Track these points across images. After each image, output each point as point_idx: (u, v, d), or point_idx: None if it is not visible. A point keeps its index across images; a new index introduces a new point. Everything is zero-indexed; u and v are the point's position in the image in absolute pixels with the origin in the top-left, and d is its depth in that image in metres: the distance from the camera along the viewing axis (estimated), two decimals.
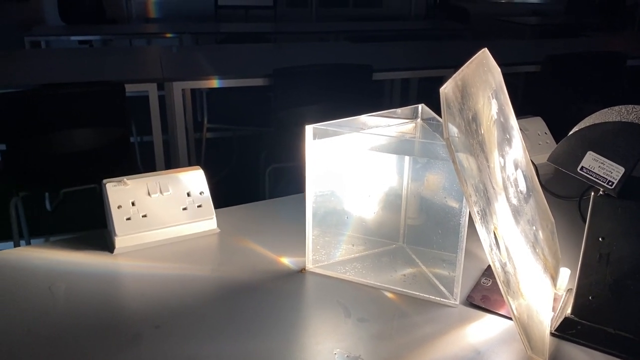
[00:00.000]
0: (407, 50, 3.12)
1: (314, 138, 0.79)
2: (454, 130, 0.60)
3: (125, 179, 0.92)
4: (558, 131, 1.40)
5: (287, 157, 2.28)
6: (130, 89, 2.06)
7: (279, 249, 0.89)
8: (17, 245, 2.06)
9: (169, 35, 4.23)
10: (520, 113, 1.09)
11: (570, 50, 2.99)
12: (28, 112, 1.78)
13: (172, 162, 2.76)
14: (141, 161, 2.73)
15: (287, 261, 0.86)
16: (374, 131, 0.82)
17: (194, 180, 0.95)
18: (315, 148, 0.79)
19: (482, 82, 0.74)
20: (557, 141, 1.32)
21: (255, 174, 3.13)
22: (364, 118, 0.84)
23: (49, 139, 1.85)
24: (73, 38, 4.34)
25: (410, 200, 0.85)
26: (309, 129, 0.78)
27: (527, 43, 3.60)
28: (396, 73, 2.51)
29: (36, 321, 0.70)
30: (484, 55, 0.78)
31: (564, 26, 4.93)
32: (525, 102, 2.82)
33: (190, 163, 2.63)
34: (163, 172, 0.97)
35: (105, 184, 0.90)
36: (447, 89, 0.60)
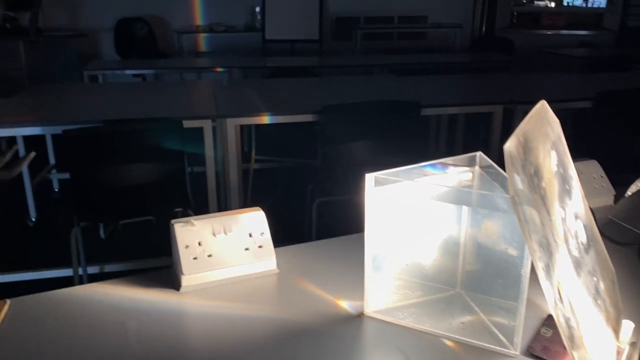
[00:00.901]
0: (453, 83, 3.14)
1: (374, 185, 0.82)
2: (518, 186, 0.62)
3: (192, 219, 0.97)
4: (612, 171, 1.38)
5: (335, 191, 2.31)
6: (187, 124, 2.15)
7: (337, 291, 0.91)
8: (76, 273, 2.15)
9: (219, 69, 4.39)
10: (570, 152, 1.09)
11: (623, 86, 2.93)
12: (91, 147, 1.88)
13: (222, 193, 2.84)
14: (191, 191, 2.83)
15: (345, 304, 0.88)
16: (432, 180, 0.84)
17: (255, 221, 0.99)
18: (375, 195, 0.82)
19: (542, 135, 0.75)
20: (612, 184, 1.31)
21: (300, 206, 3.18)
22: (422, 165, 0.86)
23: (109, 173, 1.95)
24: (128, 72, 4.56)
25: (468, 247, 0.86)
26: (370, 178, 0.81)
27: (576, 77, 3.56)
28: (444, 109, 2.53)
29: (111, 357, 0.75)
30: (543, 108, 0.79)
31: (614, 59, 4.85)
32: (575, 141, 2.76)
33: (239, 195, 2.70)
34: (226, 213, 1.01)
35: (173, 225, 0.95)
36: (510, 147, 0.62)
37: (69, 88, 3.28)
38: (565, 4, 7.01)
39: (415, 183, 0.82)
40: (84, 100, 2.68)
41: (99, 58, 6.14)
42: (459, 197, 0.85)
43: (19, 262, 2.73)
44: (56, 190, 3.66)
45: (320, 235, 2.60)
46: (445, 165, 0.87)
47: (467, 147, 3.39)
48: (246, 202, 3.35)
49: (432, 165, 0.87)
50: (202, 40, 6.57)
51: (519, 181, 0.63)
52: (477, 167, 0.88)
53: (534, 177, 0.67)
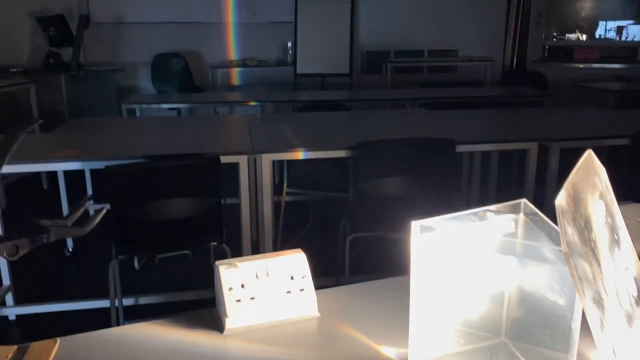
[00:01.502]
0: (486, 118, 3.13)
1: (420, 232, 0.82)
2: (570, 240, 0.61)
3: (235, 261, 0.98)
4: None
5: (368, 227, 2.31)
6: (224, 160, 2.19)
7: (379, 337, 0.91)
8: (112, 305, 2.19)
9: (252, 103, 4.48)
10: None
11: None
12: (132, 183, 1.94)
13: (254, 226, 2.87)
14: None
15: (388, 351, 0.87)
16: (477, 228, 0.84)
17: (296, 264, 1.00)
18: (421, 242, 0.82)
19: (590, 185, 0.75)
20: None
21: (332, 238, 3.17)
22: (466, 213, 0.86)
23: (148, 208, 1.99)
24: (164, 106, 4.69)
25: (514, 296, 0.85)
26: (416, 225, 0.81)
27: (612, 112, 3.51)
28: (478, 146, 2.52)
29: None
30: (589, 158, 0.79)
31: None
32: (612, 180, 2.71)
33: (272, 227, 2.72)
34: (268, 254, 1.03)
35: (218, 266, 0.97)
36: (561, 201, 0.62)
37: (108, 122, 3.40)
38: (597, 36, 6.96)
39: (460, 231, 0.82)
40: (123, 135, 2.76)
41: (136, 91, 6.35)
42: (505, 246, 0.84)
43: (56, 293, 2.80)
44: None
45: (354, 271, 2.59)
46: (490, 212, 0.87)
47: (501, 184, 3.34)
48: (278, 235, 3.37)
49: (477, 213, 0.87)
50: (236, 74, 6.73)
51: (571, 235, 0.62)
52: (521, 215, 0.88)
53: (584, 229, 0.67)
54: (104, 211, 0.61)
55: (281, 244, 3.32)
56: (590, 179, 0.77)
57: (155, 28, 6.33)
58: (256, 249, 2.59)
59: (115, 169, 1.91)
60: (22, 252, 0.54)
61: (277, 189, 3.81)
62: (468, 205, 2.87)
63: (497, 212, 0.88)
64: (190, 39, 6.47)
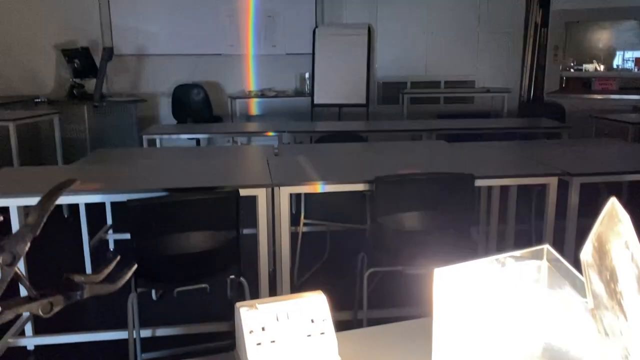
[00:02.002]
0: (505, 151, 3.13)
1: (442, 280, 0.82)
2: (596, 294, 0.61)
3: (256, 303, 0.98)
4: None
5: (387, 262, 2.30)
6: (243, 192, 2.21)
7: None
8: (131, 337, 2.19)
9: (270, 134, 4.53)
10: None
11: None
12: (153, 216, 1.96)
13: (271, 257, 2.87)
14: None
15: None
16: (499, 276, 0.84)
17: (316, 306, 1.00)
18: (443, 290, 0.82)
19: (614, 235, 0.74)
20: None
21: (349, 270, 3.16)
22: (488, 259, 0.86)
23: (168, 241, 2.01)
24: (183, 136, 4.76)
25: (538, 346, 0.84)
26: (438, 273, 0.81)
27: (632, 145, 3.48)
28: (497, 180, 2.51)
29: None
30: (613, 207, 0.79)
31: None
32: (632, 218, 2.67)
33: (289, 259, 2.71)
34: (288, 296, 1.03)
35: (239, 308, 0.97)
36: (587, 256, 0.62)
37: (129, 153, 3.46)
38: (615, 67, 6.95)
39: (482, 279, 0.82)
40: (144, 167, 2.80)
41: (157, 121, 6.47)
42: (528, 295, 0.83)
43: (75, 323, 2.81)
44: (112, 249, 3.78)
45: (372, 305, 2.57)
46: (512, 259, 0.87)
47: (520, 216, 3.29)
48: (294, 266, 3.37)
49: (499, 259, 0.86)
50: (254, 104, 6.83)
51: (597, 288, 0.62)
52: (544, 261, 0.87)
53: (610, 281, 0.66)
54: (134, 266, 0.62)
55: (298, 275, 3.31)
56: (615, 228, 0.76)
57: (176, 60, 6.48)
58: (273, 281, 2.59)
59: (135, 202, 1.93)
60: (56, 309, 0.55)
61: (294, 219, 3.82)
62: (487, 239, 2.83)
63: (520, 258, 0.88)
64: (210, 70, 6.61)
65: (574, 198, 2.46)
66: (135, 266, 0.63)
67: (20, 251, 0.54)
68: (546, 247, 0.88)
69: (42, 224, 0.53)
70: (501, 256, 0.87)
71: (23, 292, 0.60)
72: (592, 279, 0.61)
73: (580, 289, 0.75)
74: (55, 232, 4.14)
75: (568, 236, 2.52)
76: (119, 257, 0.64)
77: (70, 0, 6.05)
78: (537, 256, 0.88)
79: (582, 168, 2.58)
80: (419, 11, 6.63)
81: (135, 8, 6.23)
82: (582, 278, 0.71)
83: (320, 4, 6.83)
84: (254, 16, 6.64)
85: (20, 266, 0.56)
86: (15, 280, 0.55)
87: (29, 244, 0.53)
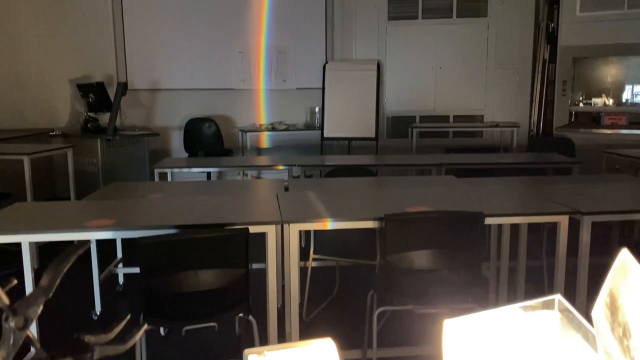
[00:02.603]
0: (514, 187, 3.12)
1: (452, 331, 0.81)
2: (609, 352, 0.60)
3: (265, 350, 0.98)
4: None
5: (397, 301, 2.28)
6: (252, 229, 2.22)
7: None
8: None
9: (280, 167, 4.56)
10: None
11: None
12: (163, 254, 1.97)
13: (280, 292, 2.85)
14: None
15: None
16: (511, 327, 0.83)
17: (326, 354, 0.99)
18: (453, 341, 0.81)
19: (626, 288, 0.74)
20: None
21: (359, 308, 3.13)
22: (499, 310, 0.85)
23: (178, 279, 2.02)
24: (194, 170, 4.81)
25: None
26: (448, 325, 0.81)
27: None
28: (507, 218, 2.50)
29: None
30: (624, 258, 0.78)
31: None
32: None
33: (298, 295, 2.70)
34: (296, 343, 1.02)
35: (247, 355, 0.97)
36: (598, 314, 0.62)
37: (140, 188, 3.49)
38: (624, 101, 6.95)
39: (492, 330, 0.81)
40: (154, 203, 2.83)
41: (168, 154, 6.54)
42: (539, 346, 0.82)
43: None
44: (121, 283, 3.77)
45: (381, 344, 2.53)
46: (523, 310, 0.86)
47: (531, 252, 3.25)
48: (303, 302, 3.34)
49: (509, 310, 0.85)
50: (265, 138, 6.89)
51: (609, 346, 0.61)
52: (556, 312, 0.86)
53: (623, 338, 0.66)
54: (144, 327, 0.62)
55: (307, 311, 3.29)
56: (627, 280, 0.76)
57: (189, 94, 6.59)
58: (282, 317, 2.57)
59: (145, 240, 1.94)
60: None
61: (303, 253, 3.81)
62: (498, 276, 2.80)
63: (530, 308, 0.87)
64: (221, 104, 6.71)
65: (585, 236, 2.44)
66: (146, 326, 0.63)
67: (32, 315, 0.54)
68: (557, 297, 0.88)
69: (55, 287, 0.54)
70: (511, 307, 0.86)
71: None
72: (605, 336, 0.60)
73: (592, 341, 0.75)
74: None
75: (581, 276, 2.49)
76: (129, 316, 0.64)
77: (87, 36, 6.21)
78: (549, 306, 0.87)
79: (593, 206, 2.56)
80: (427, 47, 6.73)
81: (150, 44, 6.38)
82: (594, 331, 0.71)
83: (330, 40, 6.95)
84: (266, 52, 6.77)
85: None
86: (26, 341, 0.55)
87: (41, 307, 0.54)
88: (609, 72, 6.67)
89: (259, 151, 6.93)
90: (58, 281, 0.55)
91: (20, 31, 6.02)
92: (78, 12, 6.15)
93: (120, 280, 3.78)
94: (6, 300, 0.51)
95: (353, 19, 6.70)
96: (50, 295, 0.55)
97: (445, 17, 6.64)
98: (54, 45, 6.14)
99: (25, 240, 2.26)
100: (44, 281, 0.54)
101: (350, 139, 6.61)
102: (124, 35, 6.28)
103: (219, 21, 6.56)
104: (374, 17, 6.69)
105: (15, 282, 0.56)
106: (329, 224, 2.41)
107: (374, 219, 2.39)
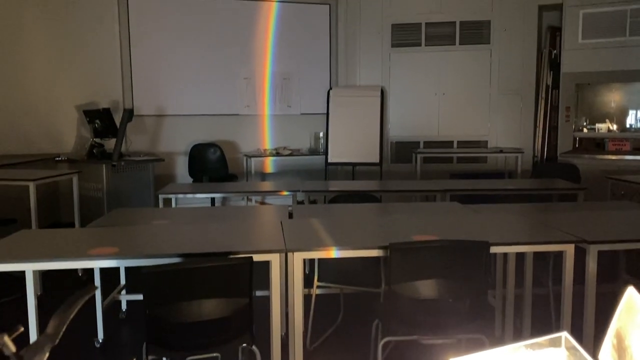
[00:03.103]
0: (519, 215, 3.10)
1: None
2: None
3: None
4: None
5: (402, 331, 2.25)
6: (256, 258, 2.22)
7: None
8: None
9: (284, 193, 4.56)
10: None
11: None
12: (167, 284, 1.96)
13: (284, 320, 2.83)
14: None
15: None
16: None
17: None
18: None
19: (633, 326, 0.73)
20: None
21: (364, 336, 3.09)
22: (505, 348, 0.85)
23: (181, 308, 2.00)
24: (199, 196, 4.82)
25: None
26: None
27: None
28: (513, 247, 2.49)
29: None
30: (630, 298, 0.78)
31: None
32: None
33: (302, 323, 2.67)
34: None
35: None
36: (605, 356, 0.61)
37: (144, 213, 3.49)
38: (628, 126, 6.96)
39: None
40: (158, 230, 2.83)
41: (173, 179, 6.57)
42: None
43: None
44: (124, 310, 3.75)
45: None
46: (529, 348, 0.85)
47: (537, 280, 3.22)
48: (307, 330, 3.31)
49: (516, 348, 0.85)
50: (269, 162, 6.92)
51: None
52: (563, 349, 0.85)
53: None
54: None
55: (311, 339, 3.25)
56: (634, 319, 0.75)
57: (194, 120, 6.65)
58: (285, 346, 2.54)
59: (149, 269, 1.94)
60: None
61: (307, 280, 3.79)
62: (504, 303, 2.77)
63: (537, 346, 0.86)
64: (226, 130, 6.76)
65: (591, 266, 2.42)
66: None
67: None
68: (564, 334, 0.87)
69: (61, 334, 0.54)
70: (517, 345, 0.85)
71: None
72: None
73: None
74: (69, 292, 4.14)
75: (588, 307, 2.46)
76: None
77: (95, 63, 6.30)
78: (555, 344, 0.86)
79: (599, 235, 2.55)
80: (430, 73, 6.79)
81: (157, 70, 6.47)
82: None
83: (334, 67, 7.03)
84: (271, 78, 6.84)
85: None
86: None
87: (47, 354, 0.54)
88: (612, 97, 6.70)
89: (264, 176, 6.95)
90: (64, 328, 0.55)
91: (30, 58, 6.11)
92: (86, 40, 6.25)
93: (124, 307, 3.76)
94: (13, 349, 0.51)
95: (357, 45, 6.78)
96: (56, 342, 0.55)
97: (448, 44, 6.71)
98: (62, 71, 6.22)
99: (30, 268, 2.25)
100: (50, 329, 0.54)
101: (354, 164, 6.63)
102: (130, 62, 6.36)
103: (225, 48, 6.66)
104: (378, 44, 6.77)
105: (21, 329, 0.56)
106: (334, 253, 2.40)
107: (379, 248, 2.38)
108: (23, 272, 2.30)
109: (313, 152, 6.97)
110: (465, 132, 6.83)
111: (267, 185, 5.33)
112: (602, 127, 6.60)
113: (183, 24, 6.49)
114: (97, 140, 5.70)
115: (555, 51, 6.77)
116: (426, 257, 2.25)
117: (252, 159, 6.60)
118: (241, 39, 6.70)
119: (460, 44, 6.69)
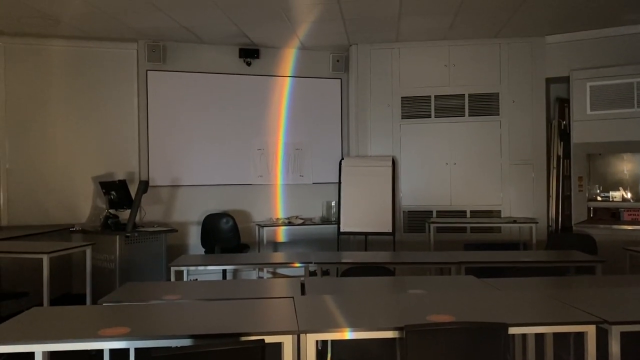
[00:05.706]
0: (537, 291, 3.03)
1: None
2: None
3: None
4: None
5: None
6: (268, 340, 2.17)
7: None
8: None
9: (297, 265, 4.53)
10: None
11: None
12: None
13: None
14: None
15: None
16: None
17: None
18: None
19: None
20: None
21: None
22: None
23: None
24: (210, 268, 4.79)
25: None
26: None
27: None
28: (531, 328, 2.42)
29: None
30: None
31: None
32: None
33: None
34: None
35: None
36: None
37: (155, 288, 3.47)
38: None
39: None
40: (169, 309, 2.80)
41: (186, 250, 6.57)
42: None
43: None
44: None
45: None
46: None
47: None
48: None
49: None
50: (281, 232, 6.92)
51: None
52: None
53: None
54: None
55: None
56: None
57: (208, 190, 6.73)
58: None
59: (160, 353, 1.90)
60: None
61: (320, 357, 3.68)
62: None
63: None
64: (238, 199, 6.82)
65: (614, 348, 2.33)
66: None
67: None
68: None
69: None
70: None
71: None
72: None
73: None
74: None
75: None
76: None
77: (112, 135, 6.48)
78: None
79: (621, 314, 2.47)
80: (441, 143, 6.87)
81: (172, 143, 6.63)
82: None
83: (346, 138, 7.16)
84: (284, 149, 6.97)
85: None
86: None
87: None
88: (625, 166, 6.70)
89: (276, 245, 6.92)
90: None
91: (51, 131, 6.31)
92: (106, 114, 6.46)
93: None
94: None
95: (368, 117, 6.93)
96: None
97: (457, 116, 6.83)
98: (80, 144, 6.40)
99: (39, 349, 2.23)
100: None
101: (367, 234, 6.60)
102: (147, 135, 6.53)
103: (239, 121, 6.84)
104: (388, 116, 6.91)
105: None
106: (347, 334, 2.35)
107: (394, 329, 2.32)
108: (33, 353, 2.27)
109: (325, 221, 6.97)
110: (478, 201, 6.81)
111: (278, 257, 5.30)
112: (616, 195, 6.55)
113: (199, 98, 6.71)
114: (112, 211, 5.77)
115: (564, 122, 6.85)
116: (443, 340, 2.19)
117: (265, 228, 6.61)
118: (255, 112, 6.89)
119: (469, 115, 6.81)
